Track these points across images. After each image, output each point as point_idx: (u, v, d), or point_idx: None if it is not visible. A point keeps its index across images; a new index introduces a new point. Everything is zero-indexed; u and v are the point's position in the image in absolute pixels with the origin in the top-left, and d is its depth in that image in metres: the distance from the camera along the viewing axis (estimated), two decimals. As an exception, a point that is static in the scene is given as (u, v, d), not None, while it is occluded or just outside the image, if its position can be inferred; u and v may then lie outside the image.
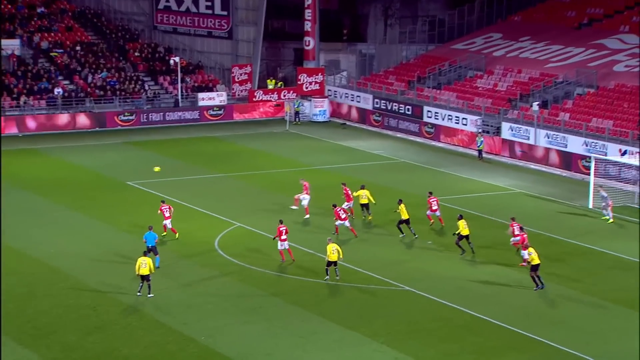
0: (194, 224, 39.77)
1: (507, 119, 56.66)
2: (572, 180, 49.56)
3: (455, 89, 62.59)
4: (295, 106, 64.95)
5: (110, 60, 67.34)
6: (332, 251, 32.76)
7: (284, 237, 34.72)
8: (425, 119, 60.52)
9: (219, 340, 28.06)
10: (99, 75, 65.00)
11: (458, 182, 48.62)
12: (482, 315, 30.18)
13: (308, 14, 69.09)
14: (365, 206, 40.40)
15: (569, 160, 51.47)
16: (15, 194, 44.27)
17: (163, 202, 38.53)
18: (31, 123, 59.71)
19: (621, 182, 45.92)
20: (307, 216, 40.37)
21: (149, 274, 31.08)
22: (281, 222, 35.21)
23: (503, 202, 44.71)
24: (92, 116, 61.28)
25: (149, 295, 31.12)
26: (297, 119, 64.59)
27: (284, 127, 62.58)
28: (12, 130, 58.85)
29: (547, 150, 52.83)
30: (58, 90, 62.04)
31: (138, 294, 31.19)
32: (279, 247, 34.93)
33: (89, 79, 64.61)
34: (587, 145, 51.20)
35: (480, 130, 56.50)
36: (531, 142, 54.05)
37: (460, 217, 36.25)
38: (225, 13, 71.93)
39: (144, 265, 31.08)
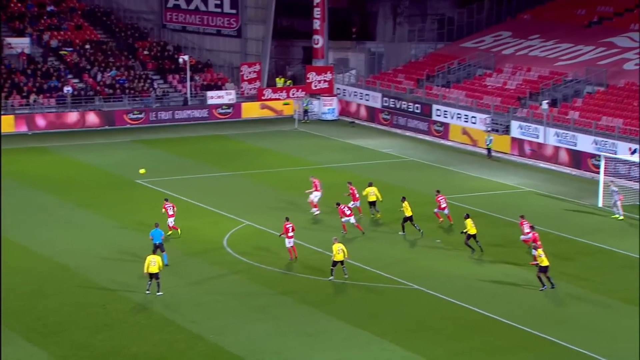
0: (202, 222, 39.80)
1: (517, 118, 56.54)
2: (581, 179, 49.44)
3: (465, 87, 62.49)
4: (304, 105, 64.95)
5: (120, 58, 67.45)
6: (338, 251, 32.73)
7: (290, 234, 34.75)
8: (434, 118, 60.44)
9: (227, 338, 28.08)
10: (108, 74, 65.11)
11: (467, 181, 48.55)
12: (491, 314, 30.12)
13: (317, 12, 69.07)
14: (373, 204, 40.38)
15: (578, 159, 51.34)
16: (25, 192, 44.40)
17: (166, 200, 38.58)
18: (41, 121, 59.86)
19: (631, 180, 45.80)
20: (316, 211, 40.28)
21: (158, 272, 31.11)
22: (287, 219, 35.24)
23: (512, 200, 44.62)
24: (102, 114, 61.39)
25: (157, 294, 31.16)
26: (306, 118, 64.59)
27: (292, 126, 62.58)
28: (22, 128, 59.00)
29: (557, 148, 52.71)
30: (67, 89, 62.16)
31: (147, 292, 31.22)
32: (287, 245, 34.96)
33: (98, 77, 64.73)
34: (596, 144, 51.05)
35: (489, 129, 56.42)
36: (540, 140, 53.93)
37: (467, 217, 36.20)
38: (234, 11, 71.99)
39: (153, 263, 31.12)
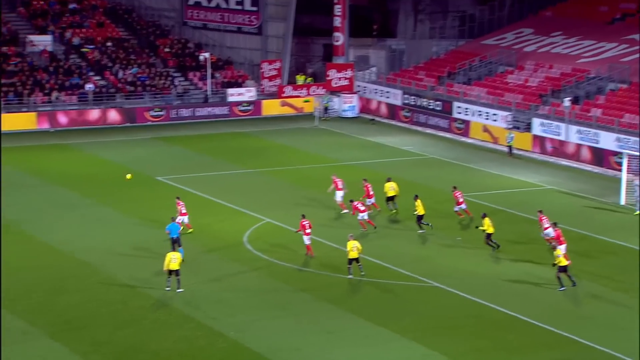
0: (222, 219, 39.88)
1: (538, 115, 56.25)
2: (603, 177, 49.12)
3: (486, 84, 62.22)
4: (325, 102, 64.91)
5: (141, 56, 67.66)
6: (352, 248, 32.65)
7: (308, 231, 34.76)
8: (455, 115, 60.24)
9: (248, 335, 28.11)
10: (130, 71, 65.34)
11: (488, 178, 48.35)
12: (512, 312, 29.98)
13: (338, 9, 68.99)
14: (391, 199, 40.25)
15: (600, 157, 51.02)
16: (46, 189, 44.65)
17: (178, 198, 38.67)
18: (62, 118, 60.14)
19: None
20: (346, 211, 40.11)
21: (178, 269, 31.19)
22: (303, 216, 35.27)
23: (534, 198, 44.37)
24: (123, 112, 61.62)
25: (178, 290, 31.23)
26: (326, 115, 64.55)
27: (313, 123, 62.56)
28: (44, 125, 59.33)
29: (579, 146, 52.40)
30: (89, 86, 62.43)
31: (167, 288, 31.31)
32: (306, 242, 34.96)
33: (120, 74, 64.97)
34: (619, 142, 50.69)
35: (510, 126, 56.16)
36: (562, 138, 53.62)
37: (484, 216, 36.04)
38: (255, 9, 72.05)
39: (174, 260, 31.20)
